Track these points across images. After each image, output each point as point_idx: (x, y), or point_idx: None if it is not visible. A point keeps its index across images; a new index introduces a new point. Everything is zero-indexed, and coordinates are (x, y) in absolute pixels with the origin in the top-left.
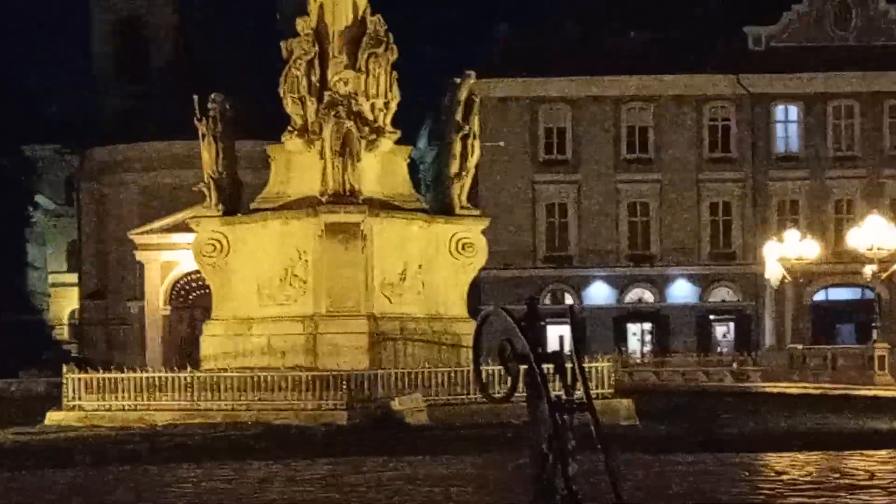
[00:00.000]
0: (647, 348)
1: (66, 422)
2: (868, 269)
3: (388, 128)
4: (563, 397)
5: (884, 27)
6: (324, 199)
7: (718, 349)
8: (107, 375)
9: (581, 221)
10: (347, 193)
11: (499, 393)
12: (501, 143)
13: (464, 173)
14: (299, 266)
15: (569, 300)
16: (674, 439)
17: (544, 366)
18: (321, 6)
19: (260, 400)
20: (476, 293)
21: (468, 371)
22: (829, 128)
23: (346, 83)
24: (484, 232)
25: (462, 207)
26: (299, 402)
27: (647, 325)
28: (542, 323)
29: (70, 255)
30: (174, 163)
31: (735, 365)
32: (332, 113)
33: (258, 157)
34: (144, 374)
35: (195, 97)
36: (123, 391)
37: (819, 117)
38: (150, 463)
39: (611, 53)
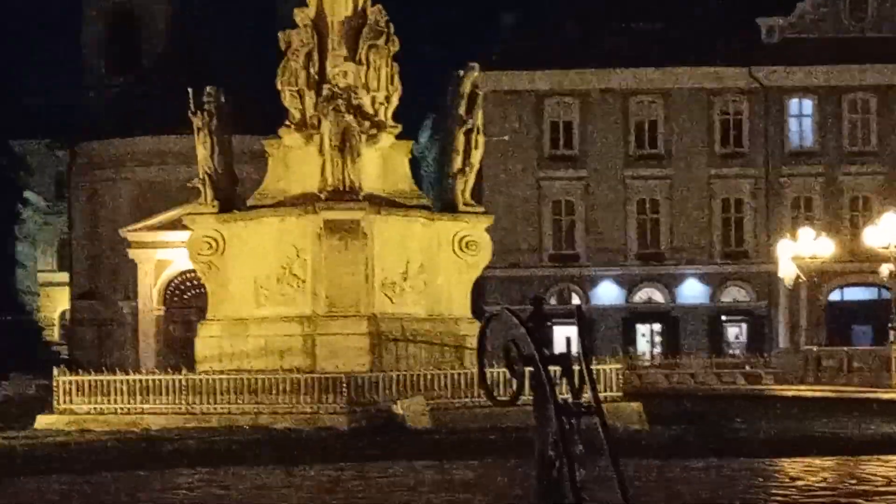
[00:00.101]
0: (657, 350)
1: (57, 426)
2: (885, 269)
3: (389, 122)
4: (571, 401)
5: None
6: (323, 196)
7: (730, 351)
8: (99, 378)
9: (588, 219)
10: (347, 190)
11: (504, 396)
12: (506, 138)
13: (467, 169)
14: (297, 265)
15: (576, 300)
16: (684, 444)
17: (551, 368)
18: None
19: (257, 403)
20: (480, 293)
21: (472, 373)
22: (844, 122)
23: (345, 76)
24: (488, 230)
25: (465, 204)
26: (297, 406)
27: (657, 326)
28: (549, 324)
29: (60, 254)
30: (168, 158)
31: (747, 367)
32: (332, 106)
33: (255, 152)
34: (137, 377)
35: (190, 90)
36: (116, 394)
37: (834, 111)
38: (144, 468)
39: (619, 45)
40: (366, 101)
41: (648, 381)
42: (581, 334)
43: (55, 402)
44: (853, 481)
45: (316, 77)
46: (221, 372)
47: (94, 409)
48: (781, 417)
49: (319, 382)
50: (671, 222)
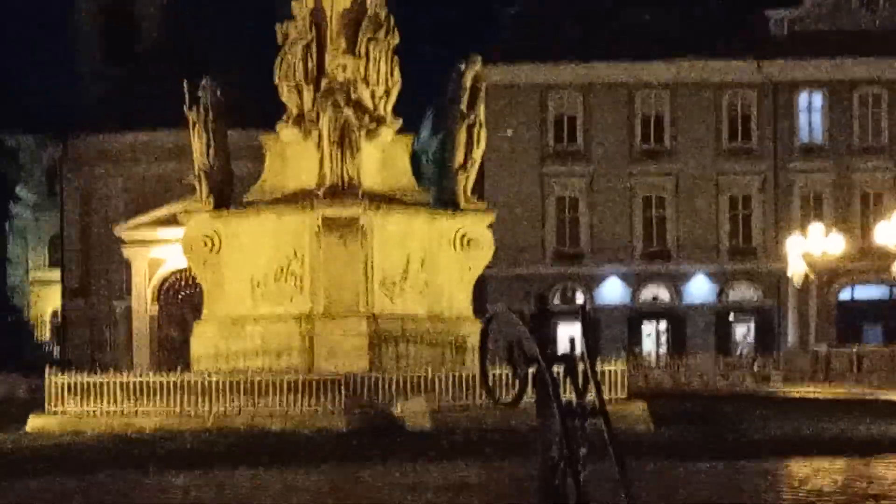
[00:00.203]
0: (663, 349)
1: (49, 427)
2: None
3: (389, 116)
4: (575, 401)
5: None
6: (321, 193)
7: (738, 350)
8: (91, 378)
9: (593, 216)
10: (346, 186)
11: (506, 397)
12: (509, 133)
13: (469, 165)
14: (295, 263)
15: (580, 299)
16: (691, 446)
17: (554, 368)
18: None
19: (253, 404)
20: (482, 292)
21: (473, 374)
22: (855, 117)
23: (344, 69)
24: (490, 227)
25: (467, 201)
26: (295, 407)
27: (663, 325)
28: (552, 323)
29: (52, 251)
30: (163, 153)
31: (755, 367)
32: (330, 101)
33: (252, 147)
34: (131, 378)
35: (185, 84)
36: (109, 395)
37: (845, 106)
38: (138, 470)
39: (624, 38)
40: (365, 95)
41: (654, 382)
42: (585, 333)
43: (47, 404)
44: (864, 484)
45: (314, 71)
46: (217, 372)
47: (87, 410)
48: (790, 418)
49: (317, 383)
50: (677, 219)
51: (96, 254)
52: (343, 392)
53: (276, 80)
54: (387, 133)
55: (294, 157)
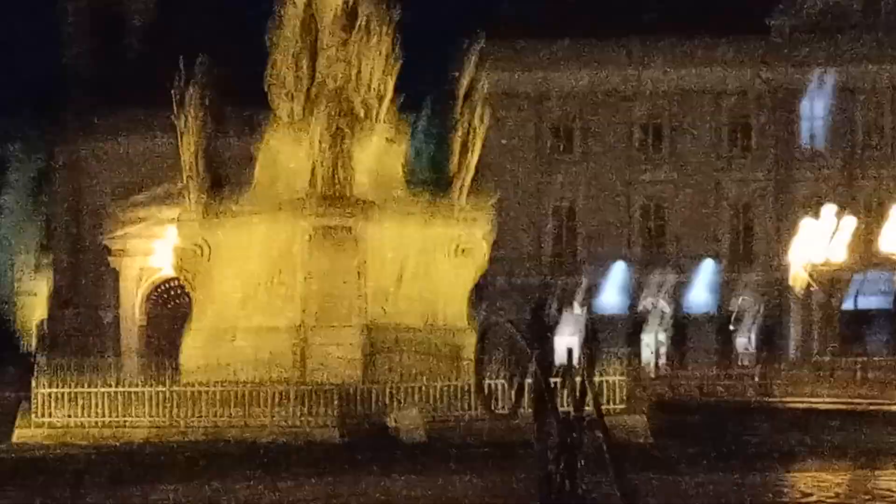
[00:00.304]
0: (663, 359)
1: (36, 439)
2: None
3: (382, 123)
4: (572, 413)
5: None
6: (312, 200)
7: (739, 360)
8: (79, 389)
9: (590, 224)
10: (338, 194)
11: (502, 408)
12: (504, 141)
13: (464, 172)
14: (286, 272)
15: (577, 309)
16: (691, 457)
17: (551, 379)
18: None
19: (244, 415)
20: (477, 300)
21: (469, 384)
22: (858, 122)
23: (336, 76)
24: (485, 234)
25: (462, 209)
26: (286, 418)
27: (662, 335)
28: (549, 333)
29: (39, 260)
30: (149, 160)
31: (757, 377)
32: (322, 107)
33: (242, 155)
34: (120, 388)
35: (173, 92)
36: (97, 406)
37: (848, 112)
38: (126, 483)
39: (622, 44)
40: (357, 101)
41: (653, 392)
42: (587, 345)
43: (34, 415)
44: (868, 496)
45: (305, 77)
46: (207, 383)
47: (74, 421)
48: (793, 429)
49: (309, 394)
50: (677, 227)
51: (84, 263)
52: (336, 403)
53: (267, 87)
54: (379, 140)
55: (285, 164)
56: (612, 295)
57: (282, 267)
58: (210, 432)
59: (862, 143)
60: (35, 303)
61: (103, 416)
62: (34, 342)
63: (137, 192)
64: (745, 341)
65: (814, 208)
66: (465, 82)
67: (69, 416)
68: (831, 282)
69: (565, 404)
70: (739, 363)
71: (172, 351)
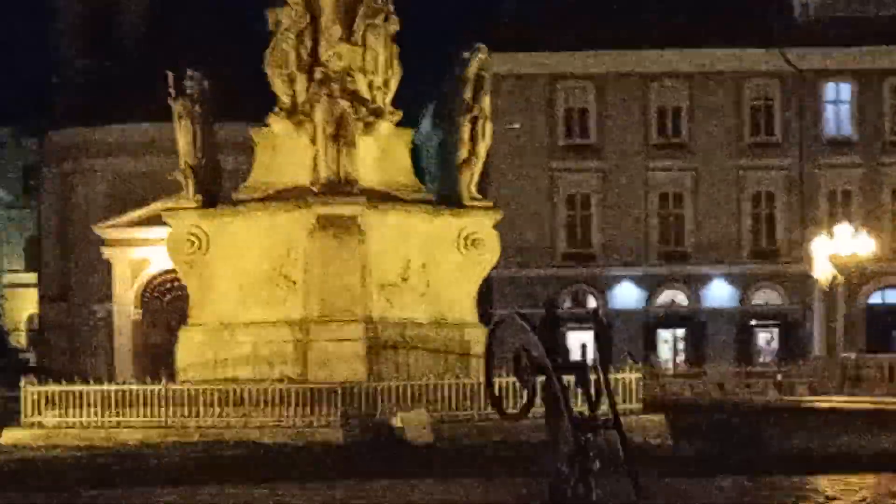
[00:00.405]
0: (681, 357)
1: (25, 440)
2: None
3: (388, 108)
4: (587, 413)
5: None
6: (315, 190)
7: (761, 359)
8: (70, 388)
9: (605, 214)
10: (342, 183)
11: (514, 408)
12: (516, 126)
13: (473, 160)
14: (288, 264)
15: (592, 303)
16: (710, 460)
17: (565, 378)
18: None
19: (243, 416)
20: (487, 295)
21: (478, 383)
22: (885, 108)
23: (340, 58)
24: (496, 226)
25: (471, 198)
26: (288, 419)
27: (681, 332)
28: (563, 329)
29: (29, 253)
30: (147, 148)
31: (779, 376)
32: (325, 91)
33: (241, 141)
34: (113, 387)
35: (169, 74)
36: (89, 406)
37: (874, 96)
38: (119, 487)
39: (639, 25)
40: (362, 85)
41: (671, 392)
42: (598, 340)
43: (23, 415)
44: (895, 501)
45: (308, 59)
46: (204, 381)
47: (65, 422)
48: (816, 431)
49: (311, 393)
50: (696, 218)
51: (76, 255)
52: (339, 402)
53: (267, 69)
54: (385, 126)
55: (286, 152)
56: (628, 289)
57: (283, 259)
58: (207, 433)
59: (890, 129)
60: (26, 296)
61: (95, 416)
62: (24, 338)
63: (133, 182)
64: (767, 338)
65: (839, 198)
66: (473, 65)
67: (60, 417)
68: (858, 275)
69: (579, 404)
70: (761, 361)
71: (168, 347)
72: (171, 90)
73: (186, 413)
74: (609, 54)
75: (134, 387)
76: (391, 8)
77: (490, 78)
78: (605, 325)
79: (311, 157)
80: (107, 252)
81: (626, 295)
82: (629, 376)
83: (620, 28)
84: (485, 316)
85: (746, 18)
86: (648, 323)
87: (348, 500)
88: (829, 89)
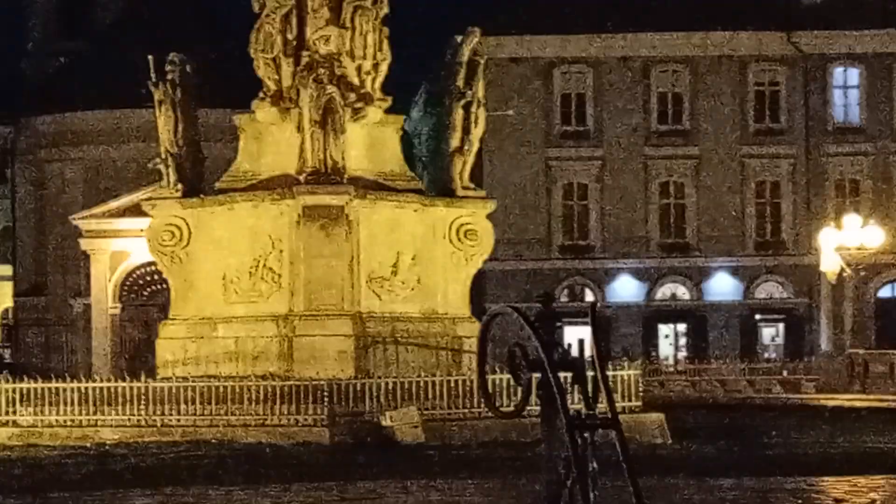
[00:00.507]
0: (682, 354)
1: (0, 439)
2: None
3: (378, 94)
4: (584, 412)
5: None
6: (301, 179)
7: (766, 355)
8: (46, 385)
9: (604, 204)
10: (329, 171)
11: (508, 406)
12: (511, 113)
13: (466, 148)
14: (273, 257)
15: (590, 297)
16: (713, 461)
17: (561, 374)
18: None
19: (226, 414)
20: (481, 289)
21: (471, 380)
22: (895, 94)
23: (327, 41)
24: (490, 217)
25: (464, 188)
26: (272, 417)
27: (682, 327)
28: (559, 324)
29: (2, 245)
30: (125, 135)
31: (785, 373)
32: (312, 76)
33: (225, 128)
34: (91, 384)
35: (150, 58)
36: (66, 404)
37: (884, 81)
38: (97, 488)
39: (640, 6)
40: (350, 70)
41: (672, 389)
42: (596, 335)
43: None
44: None
45: (294, 43)
46: (186, 378)
47: (42, 420)
48: (823, 431)
49: (297, 390)
50: (698, 208)
51: (52, 247)
52: (326, 400)
53: (252, 53)
54: (375, 112)
55: (272, 139)
56: (627, 282)
57: (267, 251)
58: (189, 432)
59: None
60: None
61: (73, 414)
62: None
63: (108, 169)
64: (772, 334)
65: (847, 187)
66: (466, 49)
67: (36, 415)
68: (867, 268)
69: (576, 402)
70: (765, 357)
71: (148, 343)
72: (152, 75)
73: (167, 411)
74: (608, 37)
75: (113, 384)
76: None
77: (484, 62)
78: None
79: (297, 144)
80: (84, 244)
81: (626, 288)
82: (628, 373)
83: (619, 10)
84: (478, 310)
85: (751, 0)
86: (648, 318)
87: (335, 502)
88: (837, 74)
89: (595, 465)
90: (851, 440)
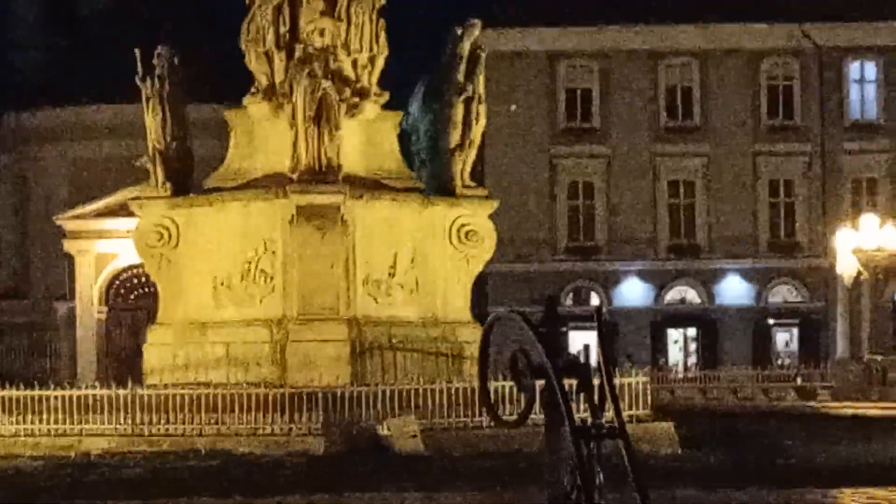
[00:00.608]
0: (692, 360)
1: None
2: None
3: (374, 89)
4: (590, 420)
5: None
6: (295, 177)
7: (779, 361)
8: (29, 392)
9: (611, 204)
10: (324, 169)
11: (510, 415)
12: (513, 108)
13: (466, 145)
14: (265, 259)
15: (596, 300)
16: (724, 472)
17: (566, 381)
18: None
19: (217, 423)
20: (482, 292)
21: (472, 387)
22: None
23: (322, 34)
24: (491, 217)
25: (465, 187)
26: (265, 426)
27: (692, 332)
28: (564, 328)
29: None
30: (112, 132)
31: (799, 380)
32: (305, 70)
33: (215, 124)
34: (75, 392)
35: (137, 51)
36: (50, 412)
37: None
38: (83, 500)
39: None
40: (346, 63)
41: (682, 397)
42: (602, 340)
43: None
44: None
45: (287, 35)
46: (174, 386)
47: (24, 429)
48: (839, 440)
49: (290, 398)
50: (709, 208)
51: (35, 248)
52: (321, 409)
53: (243, 46)
54: (371, 108)
55: (264, 136)
56: (634, 285)
57: (259, 253)
58: (178, 442)
59: None
60: None
61: (57, 423)
62: None
63: (94, 166)
64: (786, 339)
65: (864, 187)
66: (467, 42)
67: (18, 424)
68: (885, 270)
69: (581, 410)
70: (779, 363)
71: (135, 349)
72: (139, 69)
73: (155, 420)
74: (614, 30)
75: (98, 391)
76: None
77: (485, 56)
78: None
79: (290, 141)
80: (69, 245)
81: (633, 291)
82: (636, 380)
83: (626, 1)
84: (479, 314)
85: None
86: (657, 322)
87: None
88: (854, 68)
89: (601, 476)
90: (869, 450)
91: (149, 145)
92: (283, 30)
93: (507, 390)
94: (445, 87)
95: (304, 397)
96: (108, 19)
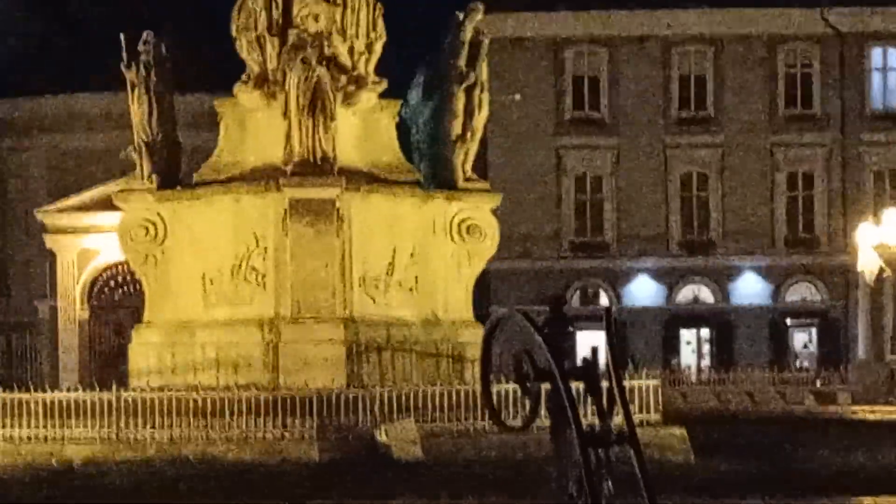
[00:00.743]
0: (706, 362)
1: None
2: None
3: (371, 77)
4: (598, 426)
5: None
6: (288, 170)
7: (797, 363)
8: (7, 396)
9: (620, 198)
10: (318, 162)
11: (514, 420)
12: (517, 97)
13: (468, 136)
14: (256, 256)
15: (604, 299)
16: (739, 480)
17: (573, 385)
18: None
19: (206, 428)
20: (484, 290)
21: (475, 391)
22: None
23: (316, 19)
24: (494, 211)
25: (466, 180)
26: (257, 432)
27: (706, 332)
28: (571, 329)
29: None
30: (95, 122)
31: (818, 383)
32: (299, 57)
33: (204, 114)
34: (56, 395)
35: (122, 37)
36: (30, 417)
37: None
38: None
39: None
40: (342, 50)
41: (695, 401)
42: (611, 342)
43: None
44: None
45: (280, 20)
46: (161, 389)
47: (3, 435)
48: (860, 446)
49: (283, 402)
50: (723, 203)
51: (14, 244)
52: (315, 413)
53: (234, 32)
54: (368, 97)
55: (256, 127)
56: (645, 283)
57: (251, 249)
58: (164, 449)
59: None
60: None
61: (37, 429)
62: None
63: (76, 158)
64: (804, 339)
65: (887, 179)
66: (469, 28)
67: None
68: None
69: (589, 415)
70: (797, 366)
71: (120, 350)
72: (123, 55)
73: (141, 425)
74: (624, 15)
75: (81, 395)
76: None
77: (488, 42)
78: (614, 324)
79: (283, 132)
80: (50, 241)
81: (644, 290)
82: (647, 383)
83: None
84: (482, 314)
85: None
86: (668, 322)
87: None
88: (876, 55)
89: (610, 484)
90: (891, 457)
91: (134, 136)
92: (275, 14)
93: (511, 394)
94: (446, 75)
95: (298, 401)
96: (91, 5)
